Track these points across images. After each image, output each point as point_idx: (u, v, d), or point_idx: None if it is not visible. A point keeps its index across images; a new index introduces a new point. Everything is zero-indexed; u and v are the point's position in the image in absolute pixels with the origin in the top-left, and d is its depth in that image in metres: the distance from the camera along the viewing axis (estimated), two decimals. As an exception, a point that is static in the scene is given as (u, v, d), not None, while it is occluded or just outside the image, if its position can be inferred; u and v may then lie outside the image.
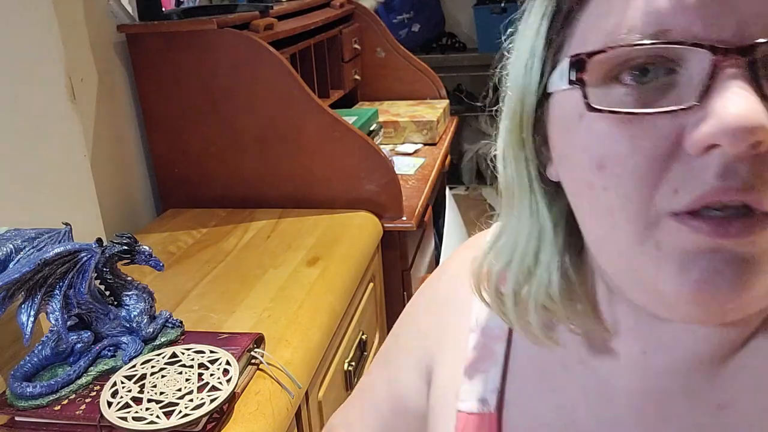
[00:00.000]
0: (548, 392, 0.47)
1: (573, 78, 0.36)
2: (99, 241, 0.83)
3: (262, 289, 1.09)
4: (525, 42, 0.41)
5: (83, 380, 0.81)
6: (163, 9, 1.41)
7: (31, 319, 0.76)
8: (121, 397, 0.75)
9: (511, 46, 0.43)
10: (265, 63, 1.36)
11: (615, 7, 0.35)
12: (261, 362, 0.87)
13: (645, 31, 0.33)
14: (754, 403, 0.40)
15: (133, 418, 0.72)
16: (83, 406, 0.77)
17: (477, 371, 0.50)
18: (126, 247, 0.87)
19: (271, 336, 0.93)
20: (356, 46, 2.05)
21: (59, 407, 0.77)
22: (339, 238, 1.28)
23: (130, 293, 0.88)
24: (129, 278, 0.89)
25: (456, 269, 0.57)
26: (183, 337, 0.91)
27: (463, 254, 0.56)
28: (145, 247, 0.89)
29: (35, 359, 0.81)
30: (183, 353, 0.83)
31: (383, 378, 0.61)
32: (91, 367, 0.83)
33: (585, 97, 0.35)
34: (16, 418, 0.78)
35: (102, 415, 0.73)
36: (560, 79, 0.38)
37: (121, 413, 0.73)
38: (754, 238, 0.33)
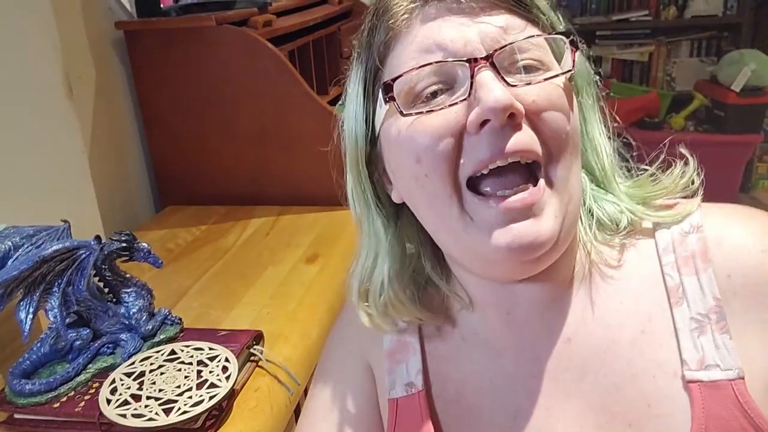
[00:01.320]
0: (461, 362, 0.57)
1: (386, 98, 0.49)
2: (98, 238, 0.83)
3: (261, 286, 1.09)
4: (351, 99, 0.56)
5: (82, 377, 0.81)
6: (161, 5, 1.41)
7: (30, 316, 0.76)
8: (120, 394, 0.75)
9: (342, 106, 0.59)
10: (263, 60, 1.36)
11: (402, 55, 0.50)
12: (260, 359, 0.87)
13: (424, 61, 0.48)
14: (590, 334, 0.53)
15: (132, 415, 0.72)
16: (82, 404, 0.77)
17: (398, 362, 0.60)
18: (125, 245, 0.87)
19: (270, 333, 0.93)
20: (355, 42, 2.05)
21: (58, 404, 0.77)
22: (338, 235, 1.28)
23: (128, 290, 0.88)
24: (128, 275, 0.89)
25: (349, 304, 0.66)
26: (182, 334, 0.91)
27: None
28: (143, 244, 0.89)
29: (34, 356, 0.81)
30: (182, 350, 0.83)
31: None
32: (90, 365, 0.83)
33: (397, 106, 0.49)
34: (15, 416, 0.78)
35: (101, 412, 0.73)
36: (379, 108, 0.52)
37: (120, 410, 0.72)
38: (535, 203, 0.46)
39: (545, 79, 0.47)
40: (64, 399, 0.78)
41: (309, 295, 1.06)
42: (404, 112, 0.48)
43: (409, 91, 0.49)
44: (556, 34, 0.50)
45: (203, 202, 1.50)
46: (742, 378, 0.47)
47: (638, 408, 0.50)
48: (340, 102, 0.59)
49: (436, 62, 0.48)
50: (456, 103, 0.47)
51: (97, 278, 0.86)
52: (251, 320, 0.99)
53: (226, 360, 0.80)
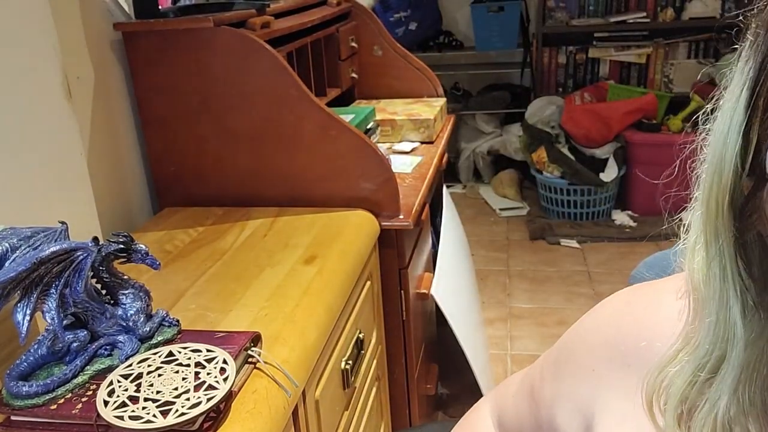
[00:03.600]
0: None
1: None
2: (95, 239, 0.83)
3: (258, 288, 1.09)
4: (728, 106, 0.35)
5: (79, 379, 0.80)
6: (160, 7, 1.41)
7: (27, 318, 0.76)
8: (118, 396, 0.75)
9: (708, 116, 0.37)
10: (261, 61, 1.36)
11: None
12: (258, 361, 0.87)
13: None
14: None
15: (130, 417, 0.71)
16: (80, 406, 0.77)
17: None
18: (122, 246, 0.87)
19: (268, 335, 0.93)
20: (353, 44, 2.05)
21: (55, 406, 0.77)
22: (336, 237, 1.28)
23: (126, 292, 0.88)
24: (125, 277, 0.89)
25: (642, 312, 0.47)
26: (179, 335, 0.91)
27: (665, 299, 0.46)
28: (141, 245, 0.89)
29: (31, 358, 0.80)
30: (180, 352, 0.83)
31: (549, 391, 0.53)
32: (88, 366, 0.83)
33: None
34: (12, 418, 0.78)
35: (98, 414, 0.73)
36: None
37: (117, 412, 0.72)
38: None
39: None
40: (62, 401, 0.78)
41: (307, 296, 1.06)
42: None
43: None
44: None
45: (201, 204, 1.50)
46: None
47: None
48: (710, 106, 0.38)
49: None
50: None
51: (94, 280, 0.86)
52: (249, 322, 0.99)
53: (224, 362, 0.80)
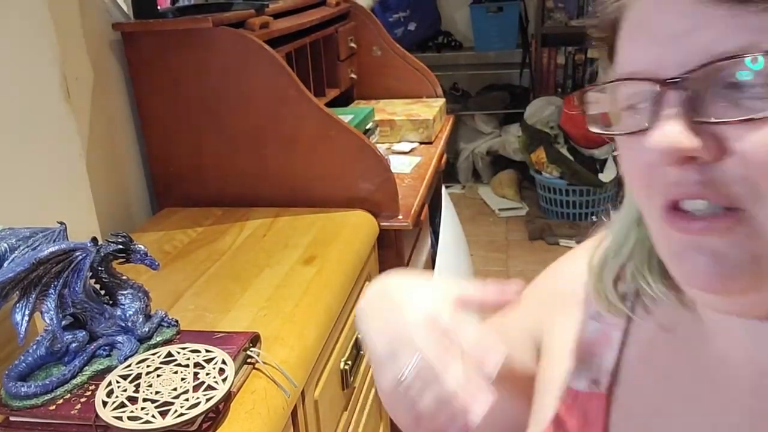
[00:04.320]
0: (661, 379, 0.50)
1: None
2: (94, 240, 0.83)
3: (257, 288, 1.09)
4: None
5: (78, 380, 0.80)
6: (159, 7, 1.41)
7: (26, 318, 0.76)
8: (117, 396, 0.75)
9: None
10: (260, 61, 1.36)
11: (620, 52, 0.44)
12: (257, 361, 0.87)
13: (624, 71, 0.42)
14: None
15: (129, 418, 0.71)
16: (78, 406, 0.77)
17: (592, 354, 0.54)
18: (121, 246, 0.87)
19: (267, 335, 0.93)
20: (352, 44, 2.05)
21: (54, 407, 0.77)
22: (335, 237, 1.28)
23: (125, 292, 0.88)
24: (124, 277, 0.89)
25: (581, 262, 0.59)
26: (178, 336, 0.91)
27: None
28: (140, 246, 0.89)
29: (30, 359, 0.80)
30: (178, 352, 0.83)
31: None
32: (87, 367, 0.83)
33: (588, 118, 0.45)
34: (11, 418, 0.78)
35: (97, 415, 0.73)
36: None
37: (116, 413, 0.72)
38: (723, 235, 0.39)
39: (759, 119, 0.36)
40: (60, 401, 0.78)
41: (306, 297, 1.06)
42: (591, 130, 0.45)
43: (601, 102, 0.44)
44: None
45: (200, 204, 1.49)
46: None
47: None
48: None
49: (617, 80, 0.42)
50: (636, 133, 0.41)
51: (93, 280, 0.86)
52: (248, 322, 0.99)
53: (223, 362, 0.80)
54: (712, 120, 0.38)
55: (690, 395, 0.48)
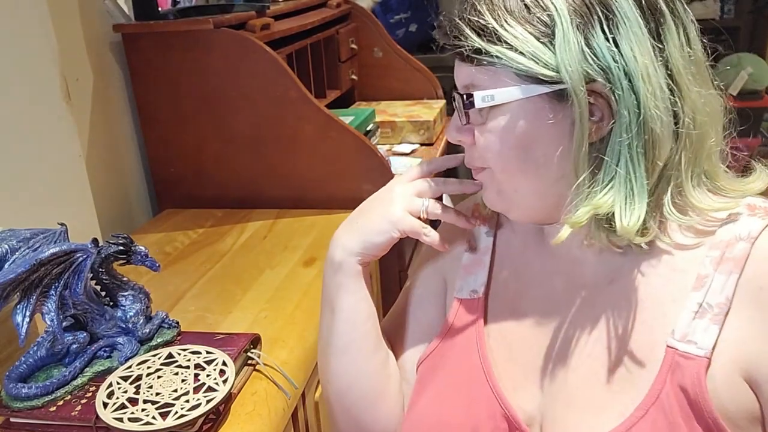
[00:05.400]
0: (518, 283, 0.72)
1: None
2: (95, 241, 0.83)
3: (258, 290, 1.09)
4: None
5: (79, 381, 0.80)
6: (159, 8, 1.41)
7: (27, 319, 0.76)
8: (117, 398, 0.75)
9: None
10: (261, 63, 1.36)
11: None
12: (257, 363, 0.87)
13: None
14: (629, 283, 0.64)
15: (129, 419, 0.71)
16: (79, 407, 0.76)
17: (470, 273, 0.75)
18: (122, 248, 0.87)
19: (267, 336, 0.93)
20: (353, 46, 2.05)
21: (55, 408, 0.77)
22: (336, 239, 1.28)
23: (126, 294, 0.88)
24: (125, 279, 0.89)
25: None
26: (179, 337, 0.91)
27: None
28: (141, 247, 0.89)
29: (30, 360, 0.80)
30: (179, 354, 0.83)
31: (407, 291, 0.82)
32: (87, 368, 0.83)
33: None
34: (12, 419, 0.78)
35: (98, 416, 0.73)
36: None
37: (116, 414, 0.72)
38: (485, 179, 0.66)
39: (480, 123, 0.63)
40: (61, 403, 0.78)
41: (306, 298, 1.06)
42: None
43: None
44: (460, 94, 0.63)
45: (200, 205, 1.49)
46: (708, 359, 0.57)
47: (626, 346, 0.62)
48: None
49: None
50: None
51: (94, 281, 0.86)
52: (248, 324, 0.99)
53: (224, 363, 0.80)
54: (466, 124, 0.63)
55: (541, 281, 0.70)
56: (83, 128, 1.32)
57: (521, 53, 0.57)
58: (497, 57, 0.58)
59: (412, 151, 1.84)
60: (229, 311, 1.03)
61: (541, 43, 0.57)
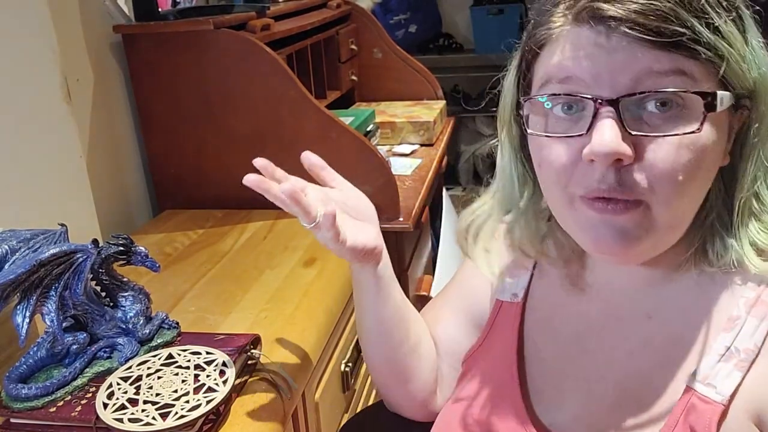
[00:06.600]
0: (556, 297, 0.72)
1: (516, 113, 0.63)
2: (95, 241, 0.83)
3: (258, 290, 1.09)
4: (510, 70, 0.65)
5: (79, 382, 0.80)
6: (160, 9, 1.41)
7: (27, 320, 0.76)
8: (117, 398, 0.75)
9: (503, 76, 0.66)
10: (261, 63, 1.36)
11: (540, 71, 0.58)
12: (258, 363, 0.87)
13: (557, 77, 0.55)
14: (673, 315, 0.63)
15: (129, 420, 0.71)
16: (79, 408, 0.76)
17: (512, 276, 0.76)
18: (122, 248, 0.87)
19: (267, 337, 0.93)
20: (353, 46, 2.05)
21: (54, 409, 0.77)
22: (336, 239, 1.28)
23: (126, 294, 0.88)
24: (125, 279, 0.89)
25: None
26: (179, 338, 0.91)
27: None
28: (141, 248, 0.89)
29: (30, 361, 0.80)
30: (179, 354, 0.83)
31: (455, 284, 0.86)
32: (87, 369, 0.82)
33: (525, 124, 0.60)
34: (11, 420, 0.78)
35: (98, 417, 0.73)
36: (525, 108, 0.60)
37: (116, 415, 0.72)
38: (626, 215, 0.53)
39: (672, 134, 0.51)
40: (61, 403, 0.78)
41: (307, 298, 1.06)
42: (528, 132, 0.59)
43: (539, 109, 0.57)
44: (693, 93, 0.50)
45: (201, 206, 1.49)
46: (724, 406, 0.57)
47: (650, 383, 0.62)
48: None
49: (564, 94, 0.54)
50: (574, 136, 0.54)
51: (94, 282, 0.86)
52: (249, 324, 0.99)
53: (224, 364, 0.80)
54: (633, 133, 0.51)
55: (578, 302, 0.70)
56: (83, 129, 1.32)
57: (742, 56, 0.51)
58: (718, 55, 0.50)
59: (412, 152, 1.84)
60: (229, 312, 1.03)
61: (747, 47, 0.52)
